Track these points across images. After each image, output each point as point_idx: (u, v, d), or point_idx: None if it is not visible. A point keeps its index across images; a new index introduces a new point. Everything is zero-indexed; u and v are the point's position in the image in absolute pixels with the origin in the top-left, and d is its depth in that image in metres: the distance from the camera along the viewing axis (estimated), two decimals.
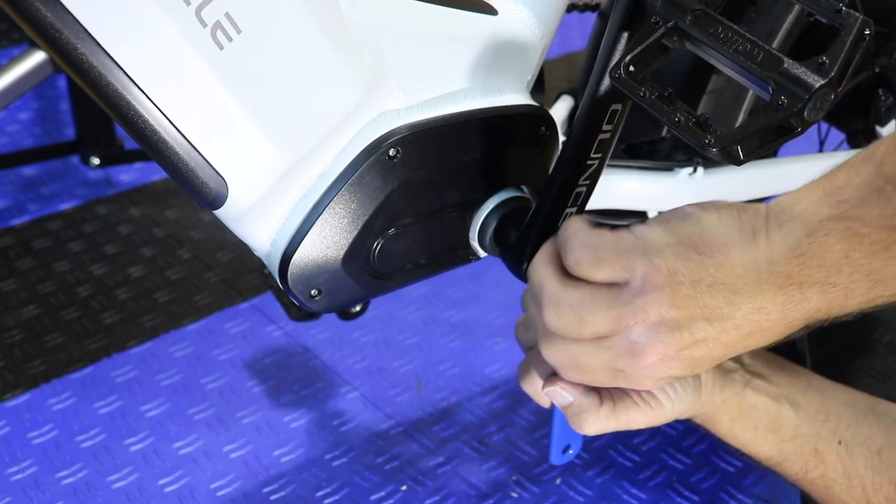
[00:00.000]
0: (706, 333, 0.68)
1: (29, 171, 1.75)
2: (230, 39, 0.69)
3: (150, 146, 0.72)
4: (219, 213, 0.76)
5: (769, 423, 0.88)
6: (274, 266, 0.79)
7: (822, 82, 0.63)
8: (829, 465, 0.87)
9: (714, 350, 0.69)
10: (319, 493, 1.14)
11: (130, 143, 1.68)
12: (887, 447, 0.86)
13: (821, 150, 1.31)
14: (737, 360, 0.90)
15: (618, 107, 0.79)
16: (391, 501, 1.13)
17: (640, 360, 0.69)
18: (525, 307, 0.82)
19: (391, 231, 0.81)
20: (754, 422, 0.87)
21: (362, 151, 0.77)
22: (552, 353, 0.74)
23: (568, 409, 0.79)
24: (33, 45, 1.53)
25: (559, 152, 0.83)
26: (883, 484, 0.85)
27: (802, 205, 0.67)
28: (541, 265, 0.75)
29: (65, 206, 1.67)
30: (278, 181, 0.76)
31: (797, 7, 0.67)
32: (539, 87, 0.91)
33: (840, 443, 0.87)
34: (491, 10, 0.85)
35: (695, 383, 0.82)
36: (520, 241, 0.83)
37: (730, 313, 0.67)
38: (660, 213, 1.01)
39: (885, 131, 1.19)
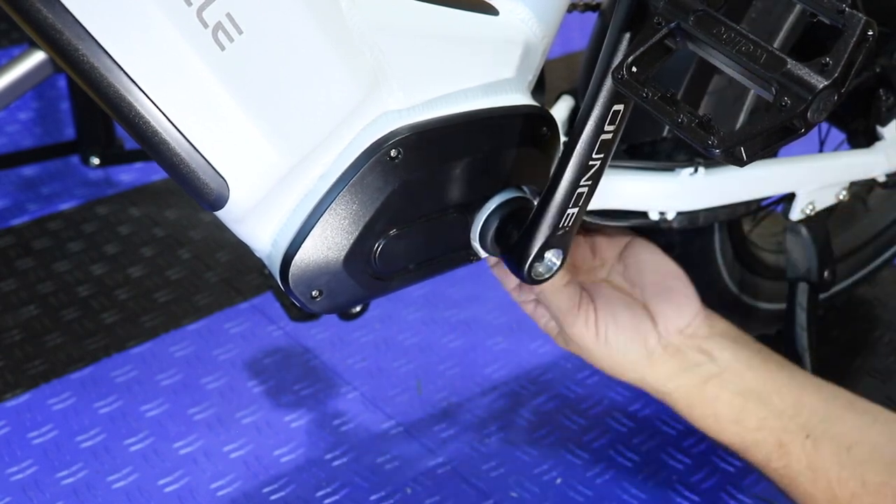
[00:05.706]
0: None
1: (29, 171, 1.74)
2: (231, 40, 0.69)
3: (152, 147, 0.71)
4: (220, 213, 0.76)
5: (732, 415, 0.93)
6: (275, 267, 0.79)
7: (826, 83, 0.63)
8: (793, 457, 0.90)
9: None
10: (319, 493, 1.14)
11: (130, 143, 1.68)
12: (859, 444, 0.88)
13: (821, 150, 1.31)
14: (706, 353, 0.93)
15: (620, 107, 0.79)
16: (391, 501, 1.13)
17: None
18: None
19: (392, 232, 0.80)
20: (714, 411, 0.93)
21: (363, 152, 0.77)
22: None
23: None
24: (33, 45, 1.53)
25: (560, 153, 0.83)
26: (850, 479, 0.87)
27: None
28: None
29: (65, 206, 1.67)
30: (279, 182, 0.75)
31: (799, 7, 0.67)
32: (540, 87, 0.90)
33: (808, 437, 0.89)
34: (492, 11, 0.85)
35: (639, 349, 0.93)
36: (521, 241, 0.83)
37: None
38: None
39: (885, 131, 1.19)
